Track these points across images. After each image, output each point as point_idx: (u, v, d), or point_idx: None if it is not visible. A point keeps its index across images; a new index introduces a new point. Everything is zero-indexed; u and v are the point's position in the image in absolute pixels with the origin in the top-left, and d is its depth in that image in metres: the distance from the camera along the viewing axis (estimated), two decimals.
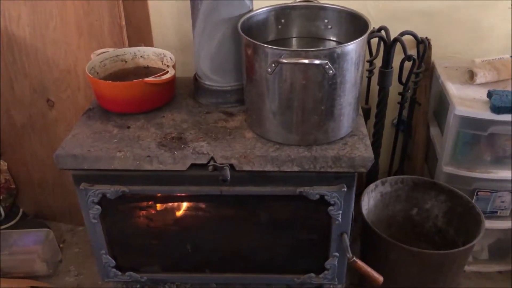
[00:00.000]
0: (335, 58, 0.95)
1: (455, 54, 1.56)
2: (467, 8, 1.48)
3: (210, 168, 1.01)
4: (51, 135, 1.62)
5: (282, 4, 1.16)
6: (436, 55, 1.54)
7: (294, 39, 1.20)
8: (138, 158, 1.03)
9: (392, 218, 1.49)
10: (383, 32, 1.39)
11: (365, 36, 0.99)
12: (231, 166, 1.02)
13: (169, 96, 1.23)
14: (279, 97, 1.01)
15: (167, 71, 1.16)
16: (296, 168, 1.01)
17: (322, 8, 1.15)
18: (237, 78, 1.18)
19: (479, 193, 1.41)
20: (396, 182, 1.44)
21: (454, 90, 1.38)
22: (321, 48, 0.94)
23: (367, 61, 1.45)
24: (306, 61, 0.92)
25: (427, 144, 1.59)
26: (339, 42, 1.16)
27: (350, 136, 1.08)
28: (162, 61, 1.30)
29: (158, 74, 1.14)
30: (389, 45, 1.37)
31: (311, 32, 1.18)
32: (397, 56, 1.39)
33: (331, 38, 1.18)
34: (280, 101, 1.01)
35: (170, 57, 1.27)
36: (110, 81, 1.14)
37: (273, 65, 0.95)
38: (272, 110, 1.03)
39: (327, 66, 0.94)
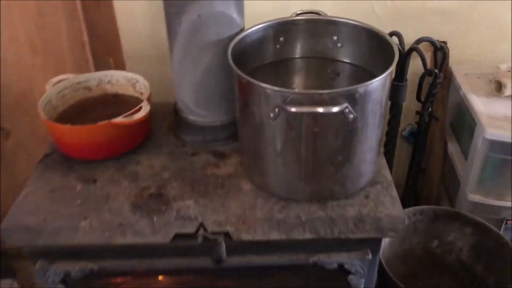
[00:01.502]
0: (356, 99, 0.73)
1: (474, 57, 1.35)
2: (486, 4, 1.27)
3: (200, 239, 0.80)
4: (10, 167, 1.38)
5: (281, 19, 0.93)
6: (453, 59, 1.34)
7: (296, 60, 0.97)
8: (108, 228, 0.81)
9: (409, 251, 1.30)
10: (395, 39, 1.17)
11: (393, 66, 0.77)
12: (227, 235, 0.81)
13: (145, 135, 1.00)
14: (284, 147, 0.79)
15: (140, 107, 0.93)
16: (309, 235, 0.81)
17: (331, 23, 0.93)
18: (229, 110, 0.96)
19: (508, 222, 1.23)
20: (414, 213, 1.25)
21: (480, 105, 1.18)
22: (339, 89, 0.72)
23: None
24: (320, 109, 0.70)
25: (444, 159, 1.40)
26: (352, 64, 0.94)
27: (372, 184, 0.87)
28: (134, 88, 1.06)
29: (129, 113, 0.91)
30: (404, 55, 1.16)
31: (316, 51, 0.96)
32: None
33: (342, 59, 0.95)
34: (285, 151, 0.80)
35: (144, 84, 1.03)
36: (69, 125, 0.90)
37: (276, 110, 0.73)
38: (275, 160, 0.82)
39: (347, 110, 0.72)
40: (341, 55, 0.95)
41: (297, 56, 0.97)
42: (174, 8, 0.84)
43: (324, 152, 0.78)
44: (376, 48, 0.88)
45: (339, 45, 0.94)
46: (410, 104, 1.30)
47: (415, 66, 1.21)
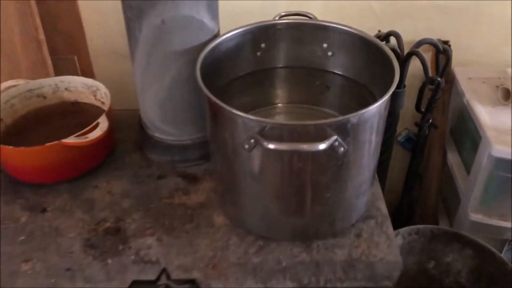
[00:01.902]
0: (348, 130, 0.60)
1: (479, 58, 1.23)
2: (495, 1, 1.14)
3: None
4: None
5: (262, 23, 0.79)
6: (456, 60, 1.20)
7: (280, 70, 0.84)
8: (54, 273, 0.69)
9: (403, 272, 1.19)
10: (393, 40, 1.04)
11: (392, 88, 0.64)
12: (193, 283, 0.69)
13: (104, 154, 0.87)
14: (261, 181, 0.67)
15: (97, 124, 0.79)
16: (290, 284, 0.69)
17: (320, 28, 0.79)
18: (200, 128, 0.83)
19: (511, 243, 1.12)
20: (410, 233, 1.13)
21: (486, 116, 1.05)
22: (327, 120, 0.59)
23: None
24: (304, 147, 0.57)
25: (443, 169, 1.28)
26: (344, 77, 0.81)
27: (365, 219, 0.75)
28: (95, 96, 0.93)
29: (82, 132, 0.78)
30: (403, 59, 1.03)
31: (303, 60, 0.83)
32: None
33: (333, 70, 0.82)
34: (263, 185, 0.67)
35: (105, 93, 0.90)
36: (11, 147, 0.77)
37: (251, 140, 0.60)
38: (251, 194, 0.69)
39: (337, 143, 0.59)
40: (331, 65, 0.82)
41: (281, 65, 0.84)
42: (132, 11, 0.70)
43: (309, 188, 0.66)
44: (372, 60, 0.75)
45: (329, 53, 0.81)
46: (406, 106, 1.17)
47: (413, 67, 1.08)
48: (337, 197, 0.68)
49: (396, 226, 1.31)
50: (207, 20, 0.72)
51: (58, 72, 1.12)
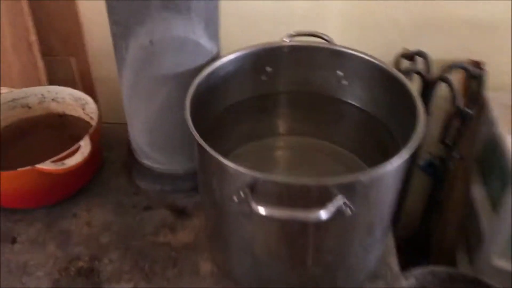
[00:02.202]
0: (358, 190, 0.50)
1: None
2: None
3: None
4: None
5: (269, 44, 0.69)
6: (489, 83, 1.08)
7: (287, 95, 0.74)
8: None
9: None
10: (419, 60, 0.93)
11: (417, 140, 0.53)
12: None
13: (86, 180, 0.79)
14: (252, 238, 0.57)
15: (78, 147, 0.71)
16: None
17: (335, 53, 0.69)
18: (193, 157, 0.73)
19: None
20: (424, 276, 1.03)
21: None
22: (332, 180, 0.49)
23: None
24: (302, 215, 0.47)
25: (466, 202, 1.17)
26: (361, 109, 0.71)
27: (372, 279, 0.66)
28: (83, 109, 0.84)
29: (59, 156, 0.69)
30: (430, 84, 0.92)
31: (314, 86, 0.73)
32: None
33: (348, 100, 0.72)
34: (253, 242, 0.58)
35: (93, 109, 0.81)
36: None
37: (241, 193, 0.51)
38: (240, 248, 0.60)
39: (343, 206, 0.50)
40: (347, 95, 0.72)
41: (288, 91, 0.73)
42: (118, 27, 0.61)
43: (308, 251, 0.56)
44: (393, 96, 0.64)
45: (344, 82, 0.71)
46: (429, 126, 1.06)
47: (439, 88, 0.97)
48: (341, 259, 0.58)
49: (410, 256, 1.21)
50: (204, 41, 0.63)
51: (53, 74, 1.04)
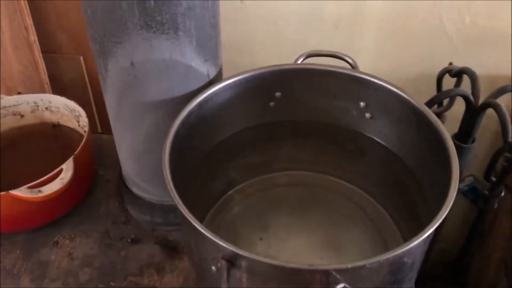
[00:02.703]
0: (364, 277, 0.40)
1: None
2: None
3: None
4: None
5: (279, 66, 0.58)
6: None
7: (295, 126, 0.63)
8: None
9: None
10: (466, 79, 0.80)
11: (443, 216, 0.42)
12: None
13: (71, 204, 0.71)
14: None
15: (61, 170, 0.63)
16: None
17: (358, 81, 0.57)
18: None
19: None
20: None
21: None
22: (332, 266, 0.38)
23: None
24: None
25: (511, 240, 1.03)
26: (385, 147, 0.59)
27: None
28: (78, 121, 0.76)
29: (37, 182, 0.62)
30: (476, 110, 0.78)
31: (331, 116, 0.61)
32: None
33: (369, 135, 0.60)
34: None
35: (85, 122, 0.73)
36: None
37: (220, 264, 0.41)
38: None
39: None
40: (369, 129, 0.60)
41: (300, 119, 0.63)
42: (95, 43, 0.52)
43: None
44: (423, 138, 0.53)
45: (367, 115, 0.59)
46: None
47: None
48: None
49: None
50: (196, 63, 0.53)
51: (62, 72, 0.97)
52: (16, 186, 0.61)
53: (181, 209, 0.42)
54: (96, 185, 0.75)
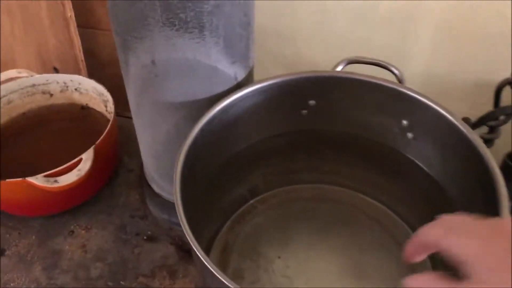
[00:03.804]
0: None
1: None
2: None
3: None
4: None
5: (316, 72, 0.52)
6: None
7: (328, 137, 0.58)
8: None
9: None
10: None
11: None
12: None
13: (89, 193, 0.69)
14: None
15: (79, 161, 0.61)
16: None
17: (403, 97, 0.51)
18: None
19: None
20: None
21: None
22: None
23: (487, 126, 0.77)
24: None
25: None
26: (426, 173, 0.53)
27: None
28: (106, 107, 0.74)
29: (53, 171, 0.60)
30: None
31: (368, 131, 0.56)
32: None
33: (410, 157, 0.54)
34: None
35: (112, 109, 0.70)
36: None
37: None
38: None
39: None
40: (410, 150, 0.54)
41: (333, 130, 0.57)
42: (116, 36, 0.48)
43: None
44: (470, 169, 0.46)
45: (409, 135, 0.53)
46: None
47: None
48: None
49: None
50: (223, 65, 0.48)
51: (99, 46, 0.95)
52: (41, 165, 0.59)
53: (199, 253, 0.38)
54: (118, 174, 0.73)
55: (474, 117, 0.65)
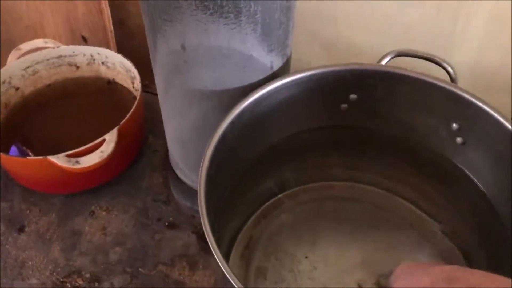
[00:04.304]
0: None
1: None
2: None
3: None
4: None
5: (360, 65, 0.48)
6: None
7: (368, 134, 0.53)
8: None
9: None
10: None
11: None
12: None
13: (112, 174, 0.67)
14: None
15: (102, 142, 0.58)
16: None
17: (455, 98, 0.46)
18: None
19: None
20: None
21: None
22: None
23: None
24: None
25: None
26: (475, 184, 0.48)
27: None
28: (132, 83, 0.71)
29: (76, 151, 0.57)
30: None
31: (413, 132, 0.51)
32: None
33: (457, 164, 0.49)
34: None
35: (139, 86, 0.67)
36: None
37: None
38: None
39: None
40: (458, 156, 0.49)
41: (374, 128, 0.52)
42: (146, 16, 0.44)
43: None
44: None
45: (459, 140, 0.48)
46: None
47: None
48: None
49: None
50: (258, 54, 0.44)
51: (129, 16, 0.91)
52: (64, 139, 0.57)
53: (224, 267, 0.35)
54: (143, 154, 0.70)
55: None
